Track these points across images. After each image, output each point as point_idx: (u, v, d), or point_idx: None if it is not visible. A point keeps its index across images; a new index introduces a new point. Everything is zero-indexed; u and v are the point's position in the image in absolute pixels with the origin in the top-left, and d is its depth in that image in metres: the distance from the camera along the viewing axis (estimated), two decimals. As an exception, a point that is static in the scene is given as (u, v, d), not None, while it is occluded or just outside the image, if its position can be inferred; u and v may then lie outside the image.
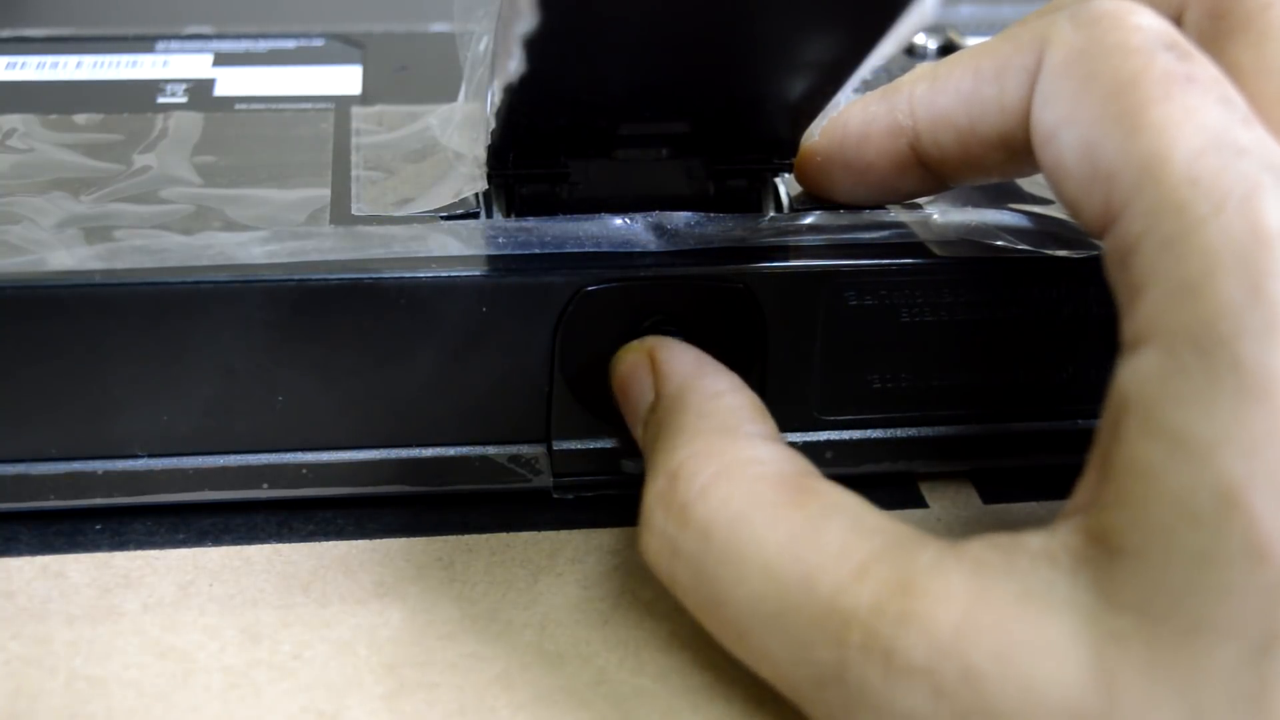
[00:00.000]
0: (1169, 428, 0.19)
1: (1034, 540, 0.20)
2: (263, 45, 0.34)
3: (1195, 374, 0.18)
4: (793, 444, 0.27)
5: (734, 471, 0.22)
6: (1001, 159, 0.24)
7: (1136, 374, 0.19)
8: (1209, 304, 0.19)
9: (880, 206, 0.27)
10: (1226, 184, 0.19)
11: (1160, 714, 0.18)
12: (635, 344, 0.25)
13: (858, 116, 0.26)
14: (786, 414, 0.27)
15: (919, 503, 0.28)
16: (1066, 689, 0.18)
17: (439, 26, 0.36)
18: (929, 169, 0.25)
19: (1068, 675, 0.19)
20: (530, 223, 0.26)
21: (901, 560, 0.20)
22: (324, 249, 0.25)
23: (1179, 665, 0.18)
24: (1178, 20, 0.25)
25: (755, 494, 0.22)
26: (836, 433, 0.27)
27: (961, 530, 0.23)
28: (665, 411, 0.24)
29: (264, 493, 0.26)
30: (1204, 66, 0.21)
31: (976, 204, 0.28)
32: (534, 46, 0.21)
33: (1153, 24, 0.21)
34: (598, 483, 0.27)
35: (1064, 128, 0.21)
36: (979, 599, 0.19)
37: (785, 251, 0.26)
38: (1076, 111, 0.21)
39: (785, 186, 0.28)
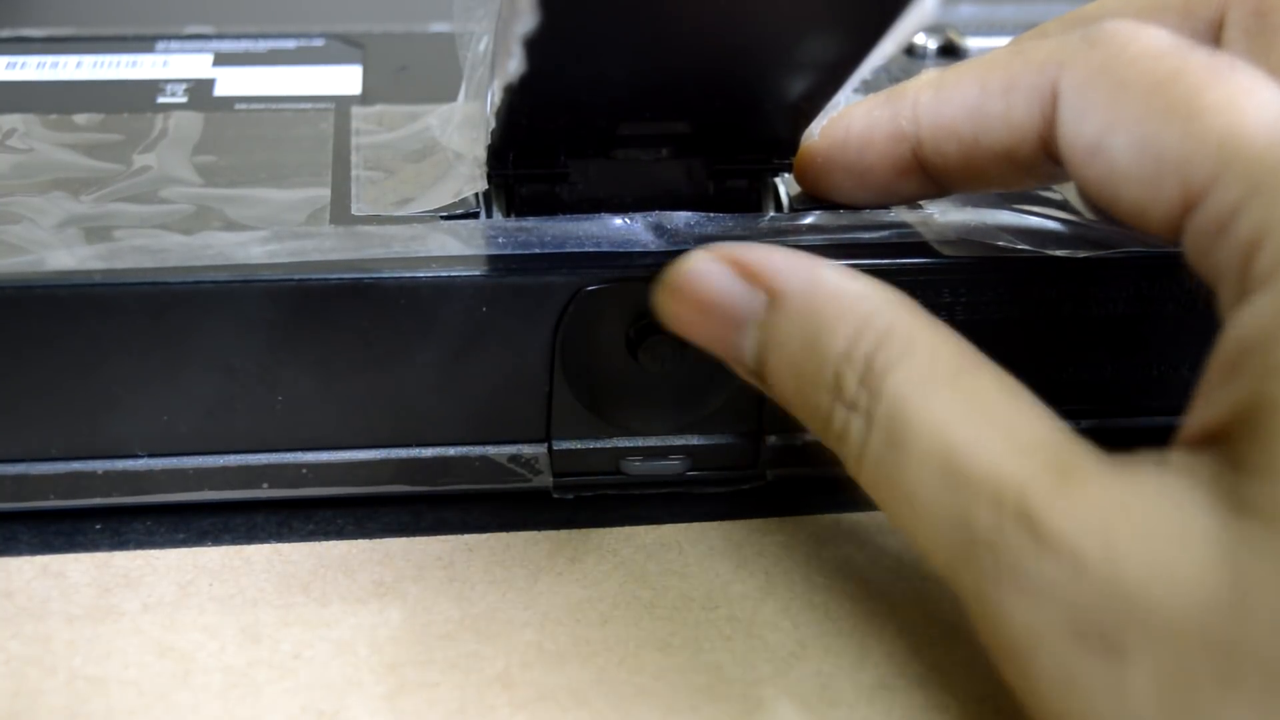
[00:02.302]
0: None
1: (1177, 456, 0.21)
2: (263, 45, 0.34)
3: None
4: (792, 444, 0.27)
5: (918, 345, 0.22)
6: (1004, 171, 0.24)
7: (1256, 316, 0.20)
8: None
9: (881, 207, 0.27)
10: None
11: None
12: (701, 253, 0.24)
13: (861, 120, 0.26)
14: (786, 414, 0.27)
15: (919, 503, 0.28)
16: (1202, 580, 0.19)
17: (439, 26, 0.36)
18: (931, 176, 0.25)
19: (1205, 568, 0.19)
20: (530, 223, 0.26)
21: (1064, 449, 0.21)
22: (324, 249, 0.25)
23: None
24: (1219, 24, 0.25)
25: (937, 365, 0.22)
26: (836, 433, 0.27)
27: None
28: (809, 308, 0.23)
29: (264, 493, 0.26)
30: (1239, 60, 0.21)
31: (977, 204, 0.28)
32: (534, 46, 0.21)
33: (1169, 35, 0.22)
34: (598, 483, 0.27)
35: (1110, 135, 0.21)
36: (1129, 489, 0.20)
37: None
38: (1119, 117, 0.21)
39: (785, 186, 0.28)
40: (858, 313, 0.23)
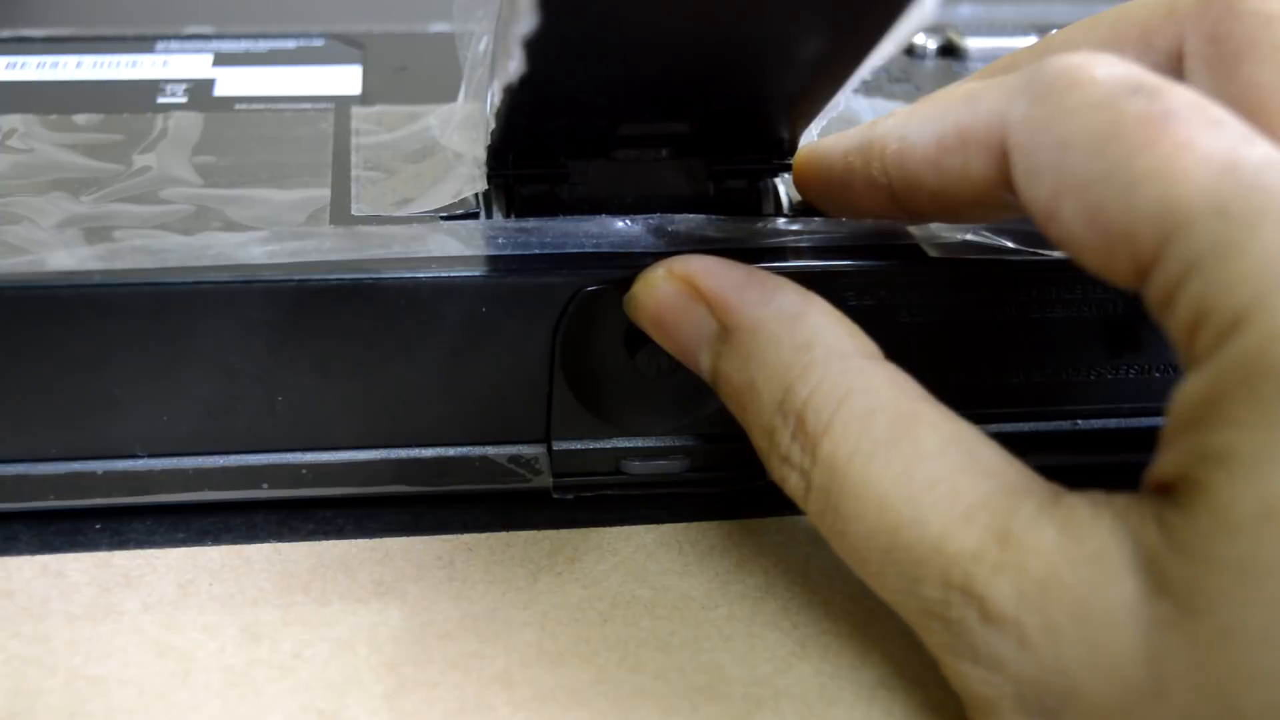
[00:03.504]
0: (1215, 448, 0.19)
1: (1120, 501, 0.21)
2: (263, 45, 0.34)
3: (1242, 398, 0.19)
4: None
5: (852, 403, 0.22)
6: (977, 214, 0.24)
7: (1191, 394, 0.20)
8: (1257, 332, 0.19)
9: None
10: (1256, 204, 0.19)
11: (1200, 709, 0.19)
12: (660, 272, 0.24)
13: (839, 164, 0.26)
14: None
15: (918, 503, 0.28)
16: (1126, 666, 0.19)
17: (439, 26, 0.36)
18: (914, 214, 0.25)
19: (1128, 654, 0.19)
20: (530, 223, 0.26)
21: (1005, 510, 0.21)
22: (324, 249, 0.25)
23: (1217, 664, 0.19)
24: (1178, 55, 0.25)
25: (872, 428, 0.22)
26: (836, 433, 0.27)
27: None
28: (750, 345, 0.23)
29: (264, 493, 0.27)
30: (1178, 96, 0.20)
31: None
32: (534, 47, 0.21)
33: (1109, 72, 0.21)
34: (598, 483, 0.27)
35: (1059, 203, 0.21)
36: (1065, 556, 0.20)
37: (785, 252, 0.26)
38: (1064, 182, 0.21)
39: (785, 187, 0.28)
40: (794, 365, 0.23)
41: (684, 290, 0.24)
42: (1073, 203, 0.21)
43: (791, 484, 0.23)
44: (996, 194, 0.23)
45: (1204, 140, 0.20)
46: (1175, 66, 0.25)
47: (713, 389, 0.25)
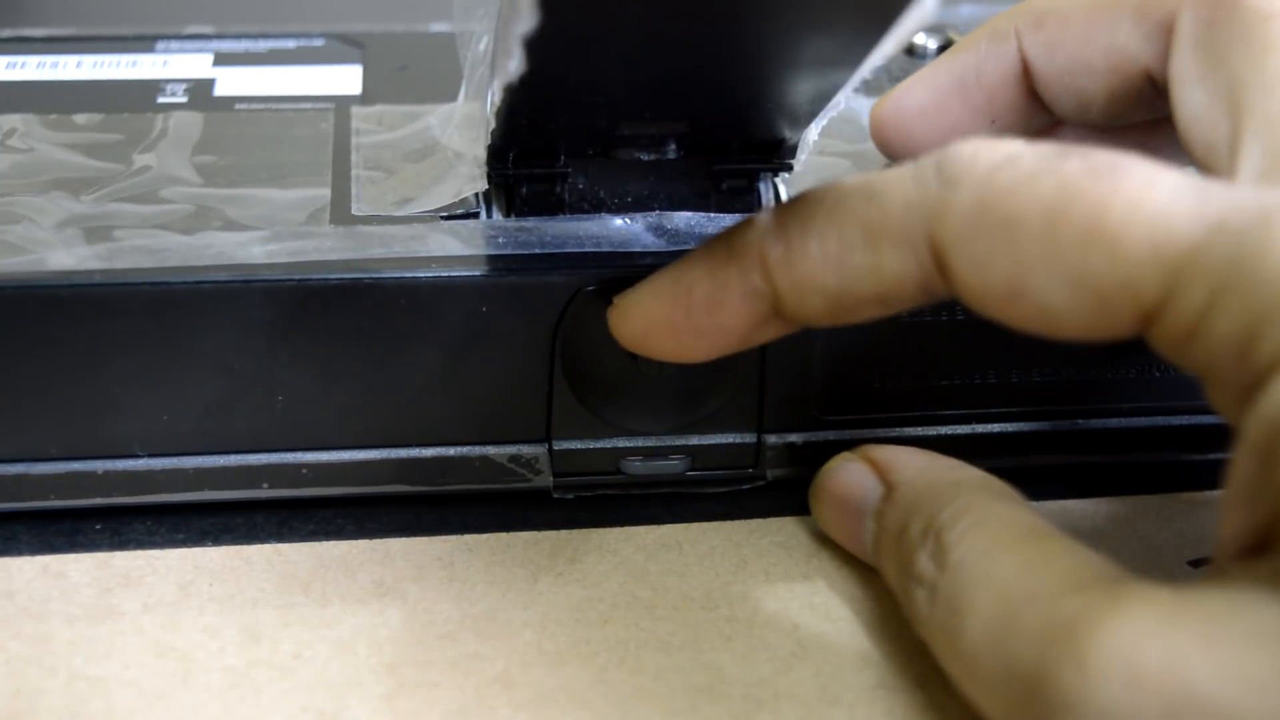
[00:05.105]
0: None
1: (1236, 569, 0.19)
2: (263, 45, 0.34)
3: None
4: (793, 444, 0.27)
5: (988, 520, 0.22)
6: (872, 313, 0.23)
7: (1273, 415, 0.18)
8: None
9: None
10: (1249, 213, 0.18)
11: None
12: (846, 455, 0.26)
13: (704, 282, 0.23)
14: (786, 414, 0.27)
15: (919, 503, 0.28)
16: (1251, 690, 0.18)
17: (439, 26, 0.36)
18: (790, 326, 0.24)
19: (1258, 680, 0.18)
20: (530, 222, 0.26)
21: (1117, 582, 0.20)
22: (324, 249, 0.25)
23: None
24: (1170, 29, 0.24)
25: (1002, 535, 0.22)
26: (836, 432, 0.27)
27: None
28: (910, 495, 0.24)
29: (264, 493, 0.26)
30: (1102, 151, 0.20)
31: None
32: (534, 46, 0.21)
33: (1019, 147, 0.20)
34: (598, 482, 0.27)
35: (1028, 280, 0.20)
36: (1182, 604, 0.19)
37: None
38: (1027, 258, 0.20)
39: (785, 186, 0.28)
40: (940, 498, 0.23)
41: (859, 464, 0.26)
42: (1045, 275, 0.20)
43: (917, 601, 0.23)
44: (910, 292, 0.22)
45: (1162, 177, 0.19)
46: (1165, 41, 0.25)
47: (874, 565, 0.25)
